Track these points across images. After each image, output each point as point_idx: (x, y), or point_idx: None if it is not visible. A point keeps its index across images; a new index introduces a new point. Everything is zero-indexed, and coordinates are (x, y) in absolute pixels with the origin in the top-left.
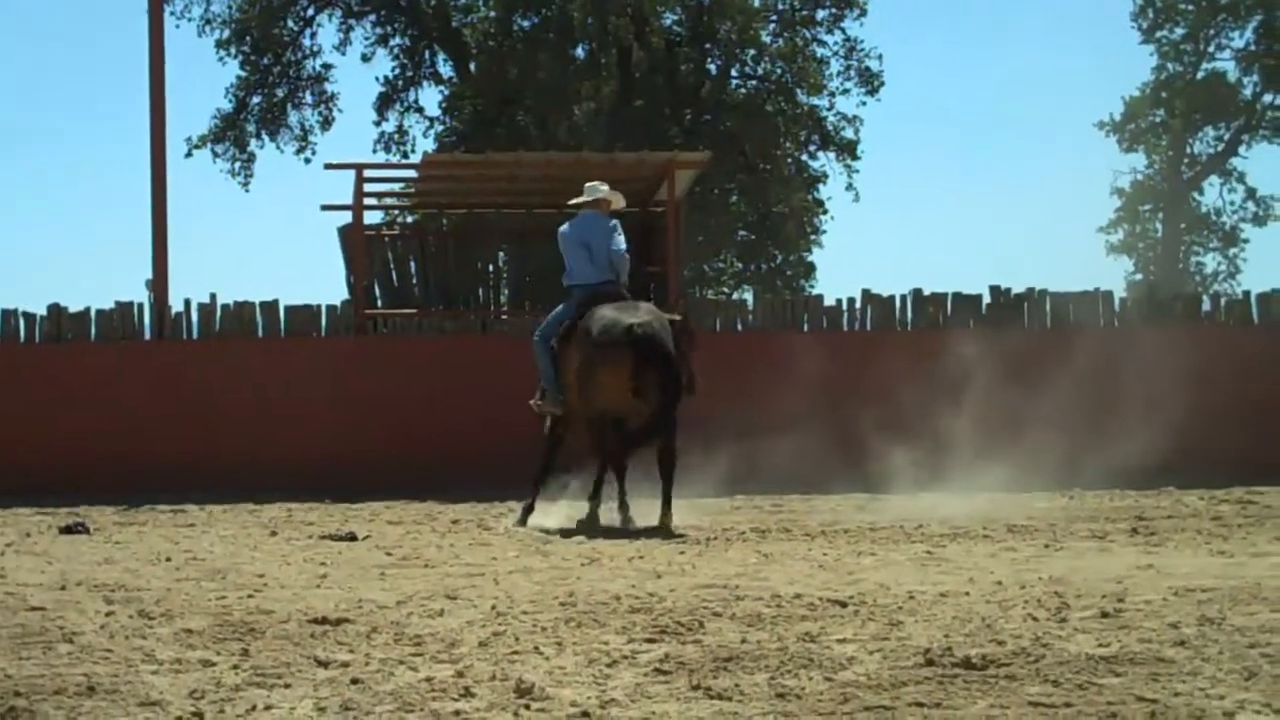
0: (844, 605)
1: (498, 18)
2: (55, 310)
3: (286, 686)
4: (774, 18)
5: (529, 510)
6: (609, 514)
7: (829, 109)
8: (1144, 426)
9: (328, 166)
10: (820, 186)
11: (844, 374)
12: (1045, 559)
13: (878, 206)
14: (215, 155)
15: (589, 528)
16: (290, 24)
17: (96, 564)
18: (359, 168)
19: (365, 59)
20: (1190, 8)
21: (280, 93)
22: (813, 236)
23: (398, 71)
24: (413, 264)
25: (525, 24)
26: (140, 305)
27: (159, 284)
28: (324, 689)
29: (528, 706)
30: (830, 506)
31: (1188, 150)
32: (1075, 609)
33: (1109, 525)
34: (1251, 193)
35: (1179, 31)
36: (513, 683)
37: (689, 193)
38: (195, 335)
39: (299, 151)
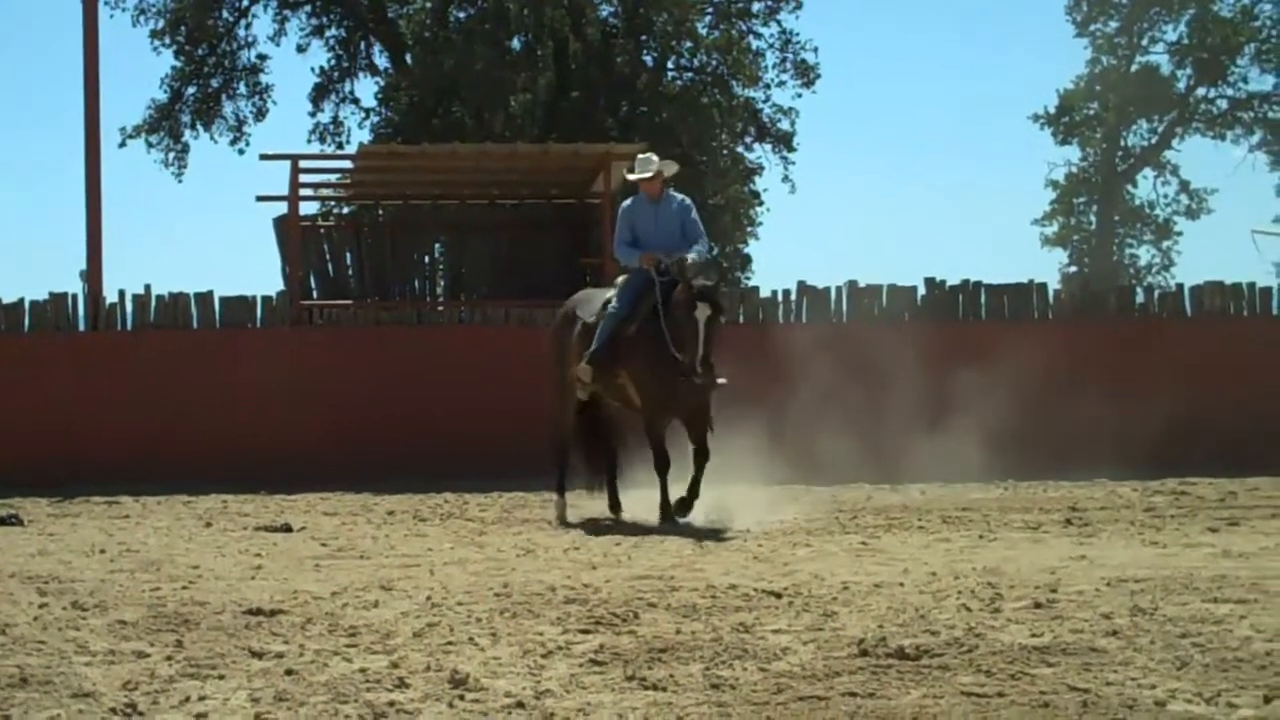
0: (779, 596)
1: (434, 9)
2: None
3: (221, 678)
4: (710, 10)
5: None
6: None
7: (765, 101)
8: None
9: (263, 157)
10: (756, 179)
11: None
12: (979, 549)
13: (814, 199)
14: (150, 145)
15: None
16: (225, 15)
17: (30, 555)
18: (294, 159)
19: (300, 50)
20: (1124, 1)
21: (215, 83)
22: (749, 229)
23: (333, 63)
24: (349, 255)
25: (461, 15)
26: (74, 296)
27: (93, 275)
28: (258, 680)
29: (462, 697)
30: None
31: (1122, 143)
32: (1008, 599)
33: (1043, 516)
34: (1185, 185)
35: (1113, 25)
36: (447, 673)
37: (625, 184)
38: (130, 326)
39: (234, 142)
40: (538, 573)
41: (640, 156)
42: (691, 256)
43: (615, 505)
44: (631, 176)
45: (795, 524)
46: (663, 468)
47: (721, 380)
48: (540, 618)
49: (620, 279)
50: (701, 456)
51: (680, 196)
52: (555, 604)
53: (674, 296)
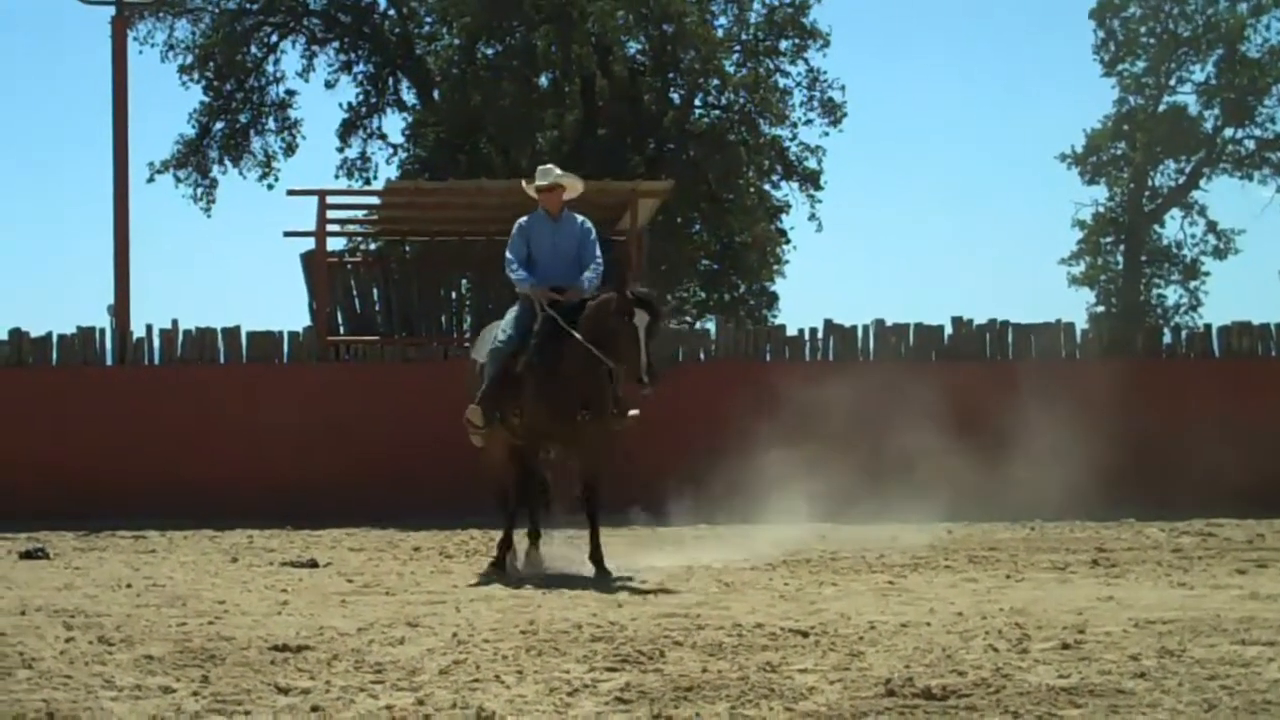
0: (805, 635)
1: (461, 46)
2: (16, 335)
3: (247, 714)
4: (737, 48)
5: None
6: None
7: (792, 139)
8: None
9: (291, 193)
10: (783, 216)
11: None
12: (1006, 590)
13: (841, 237)
14: (178, 181)
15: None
16: (254, 50)
17: (56, 589)
18: (322, 194)
19: (329, 85)
20: (1151, 41)
21: (243, 119)
22: (775, 266)
23: (361, 98)
24: (375, 291)
25: (489, 52)
26: (102, 330)
27: (121, 309)
28: (284, 716)
29: None
30: (792, 537)
31: (1149, 183)
32: (1036, 640)
33: (1070, 556)
34: (1212, 226)
35: (1140, 65)
36: (473, 711)
37: (651, 222)
38: (157, 361)
39: (262, 178)
40: (564, 610)
41: (541, 168)
42: (585, 285)
43: (535, 534)
44: (528, 187)
45: (822, 561)
46: (528, 500)
47: (633, 411)
48: (566, 655)
49: (511, 311)
50: (594, 506)
51: (581, 219)
52: (581, 641)
53: (610, 305)
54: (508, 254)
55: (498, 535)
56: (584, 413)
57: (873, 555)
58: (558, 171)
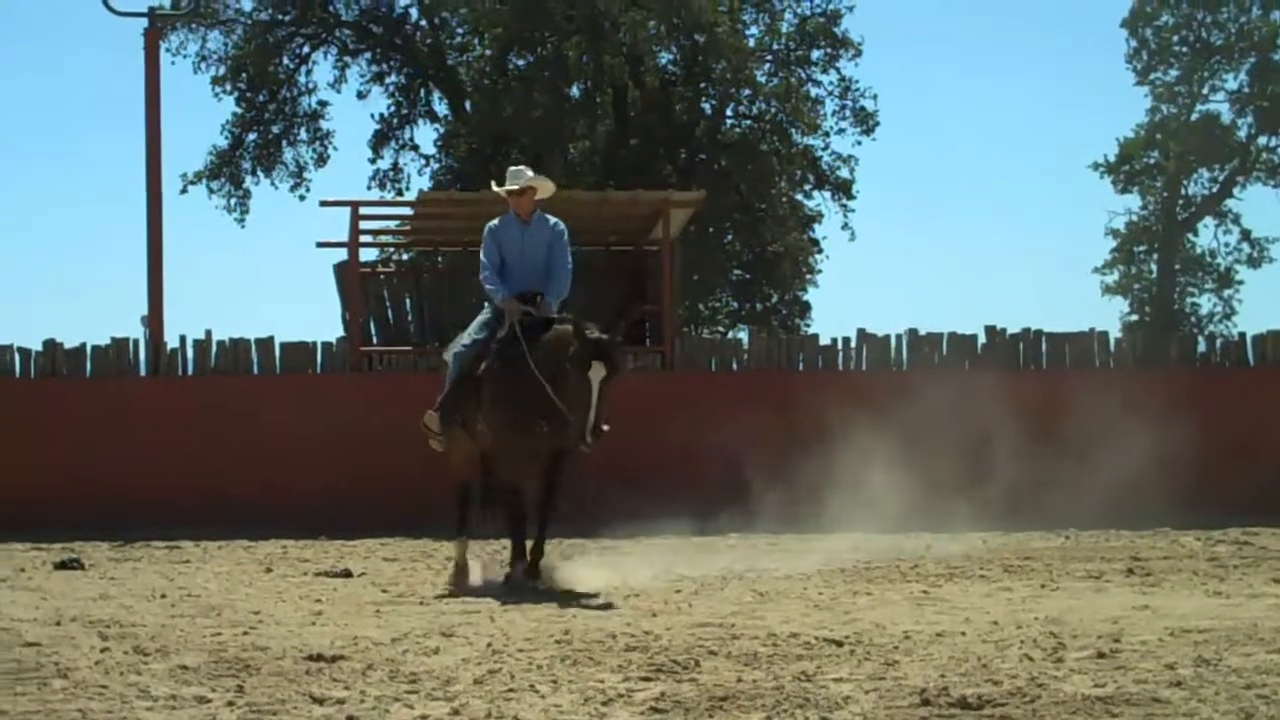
0: (840, 644)
1: (493, 56)
2: (51, 346)
3: None
4: (769, 57)
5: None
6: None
7: (824, 148)
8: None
9: (323, 204)
10: (815, 226)
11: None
12: (1041, 599)
13: (873, 246)
14: (211, 192)
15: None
16: (286, 61)
17: (91, 600)
18: (354, 205)
19: (361, 96)
20: (1184, 50)
21: (276, 129)
22: (808, 276)
23: (393, 109)
24: (408, 301)
25: (520, 63)
26: (136, 341)
27: (154, 320)
28: None
29: None
30: (825, 546)
31: (1182, 192)
32: (1071, 649)
33: (1105, 565)
34: (1246, 234)
35: (1173, 73)
36: None
37: (684, 232)
38: (191, 372)
39: (294, 188)
40: (598, 619)
41: (512, 169)
42: (553, 302)
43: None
44: (499, 189)
45: (856, 570)
46: (516, 520)
47: (604, 428)
48: (601, 665)
49: (480, 316)
50: (549, 508)
51: (554, 221)
52: (616, 651)
53: (569, 350)
54: (481, 258)
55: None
56: (542, 424)
57: (907, 564)
58: (529, 173)
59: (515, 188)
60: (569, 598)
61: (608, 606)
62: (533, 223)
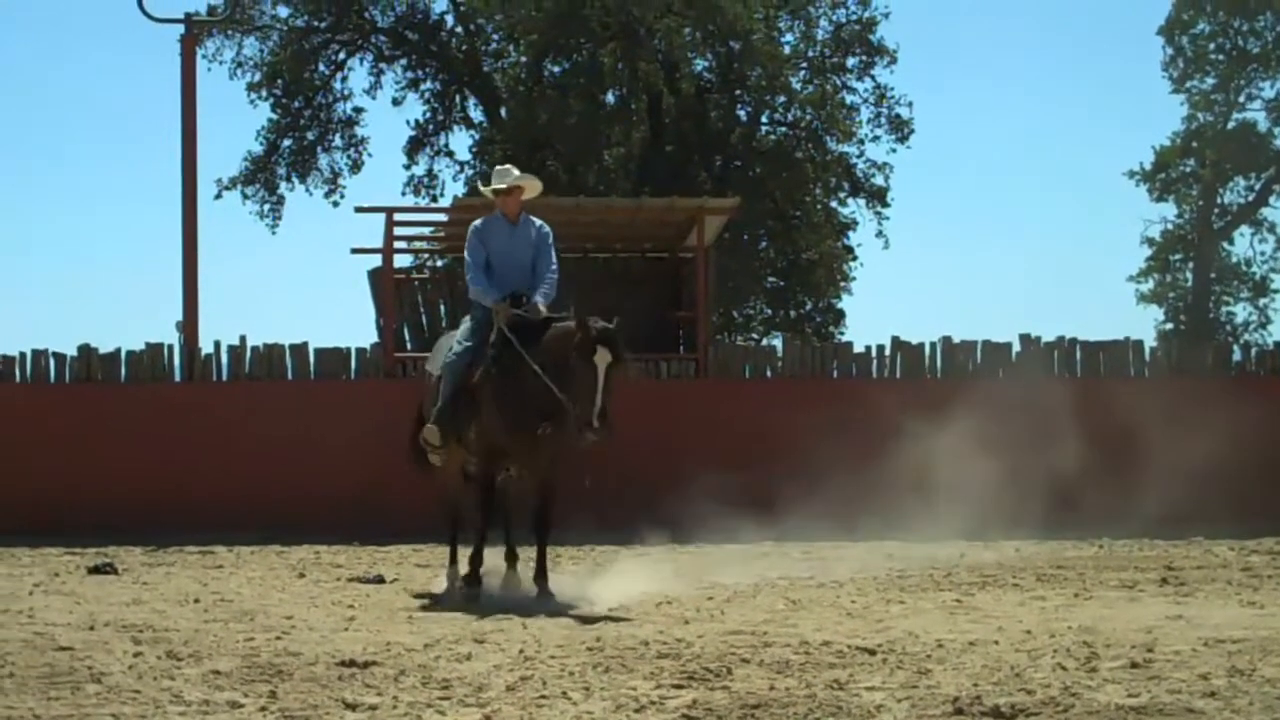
0: (873, 653)
1: (528, 63)
2: (85, 351)
3: None
4: (804, 64)
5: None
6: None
7: (859, 156)
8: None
9: (358, 210)
10: (850, 233)
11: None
12: (1075, 608)
13: (908, 254)
14: (245, 197)
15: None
16: (321, 68)
17: (125, 604)
18: (389, 211)
19: (396, 103)
20: (1221, 58)
21: (311, 136)
22: (842, 283)
23: (428, 115)
24: (442, 307)
25: (556, 70)
26: (170, 347)
27: (189, 325)
28: None
29: None
30: (858, 554)
31: (1218, 200)
32: (1104, 659)
33: (1138, 575)
34: None
35: (1209, 81)
36: None
37: (718, 239)
38: (225, 377)
39: (329, 195)
40: (630, 627)
41: (499, 169)
42: (542, 301)
43: (476, 567)
44: (485, 189)
45: (889, 579)
46: (481, 521)
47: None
48: (633, 672)
49: (467, 321)
50: (543, 522)
51: (539, 223)
52: (648, 658)
53: (572, 339)
54: (467, 258)
55: (564, 552)
56: (545, 425)
57: (940, 573)
58: (516, 173)
59: (502, 187)
60: (600, 605)
61: (640, 614)
62: (519, 223)
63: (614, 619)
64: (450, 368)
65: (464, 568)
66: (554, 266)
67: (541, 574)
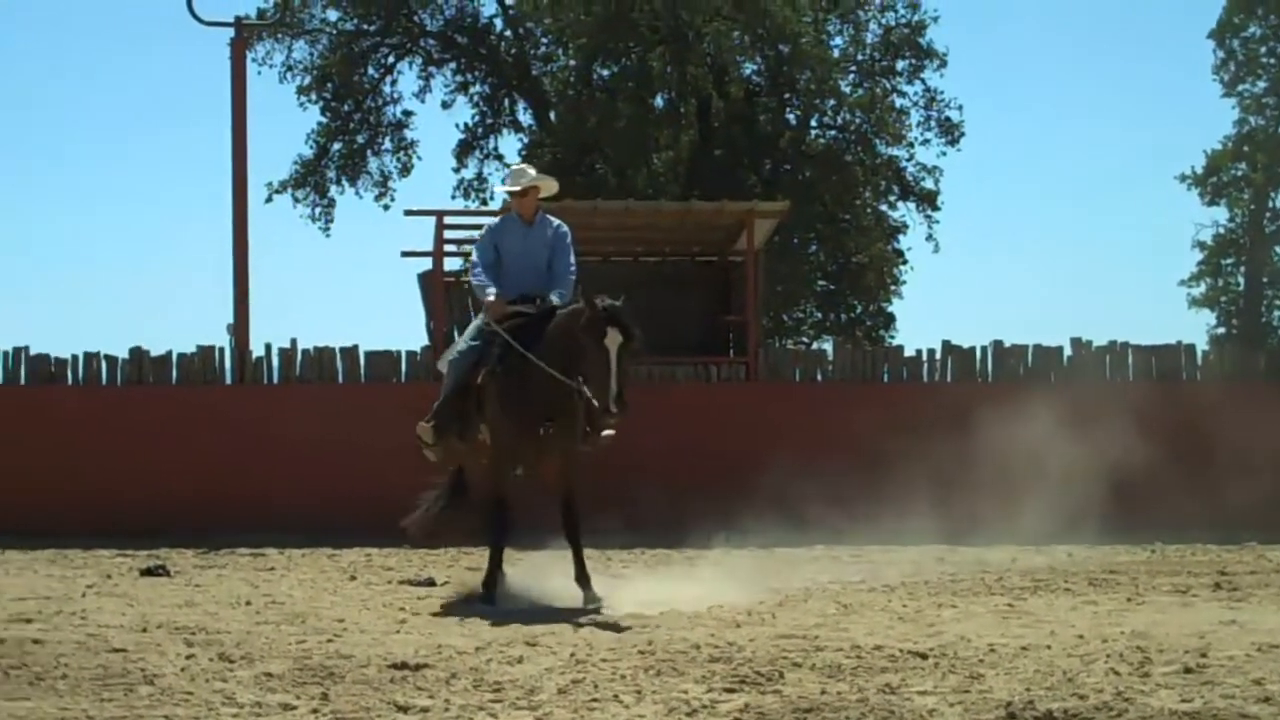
0: (924, 657)
1: (577, 67)
2: (137, 353)
3: None
4: (853, 68)
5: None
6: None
7: (909, 159)
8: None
9: (408, 213)
10: (900, 237)
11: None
12: (1127, 613)
13: (958, 257)
14: (296, 201)
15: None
16: (371, 71)
17: (177, 606)
18: (439, 214)
19: (445, 106)
20: (1272, 62)
21: (361, 139)
22: (892, 287)
23: (477, 119)
24: None
25: (605, 73)
26: (221, 349)
27: (240, 328)
28: None
29: None
30: (909, 558)
31: (1270, 204)
32: (1158, 664)
33: (1191, 579)
34: None
35: (1261, 85)
36: None
37: (768, 242)
38: (275, 380)
39: (379, 198)
40: (682, 630)
41: (514, 168)
42: (554, 301)
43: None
44: (500, 189)
45: (941, 583)
46: (499, 530)
47: (609, 431)
48: (685, 676)
49: (477, 319)
50: (571, 524)
51: (557, 223)
52: (700, 662)
53: (579, 321)
54: (473, 257)
55: (614, 555)
56: (548, 425)
57: (992, 577)
58: (532, 172)
59: (517, 188)
60: (651, 608)
61: (691, 618)
62: (535, 223)
63: (665, 623)
64: (454, 365)
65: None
66: (573, 267)
67: (583, 576)
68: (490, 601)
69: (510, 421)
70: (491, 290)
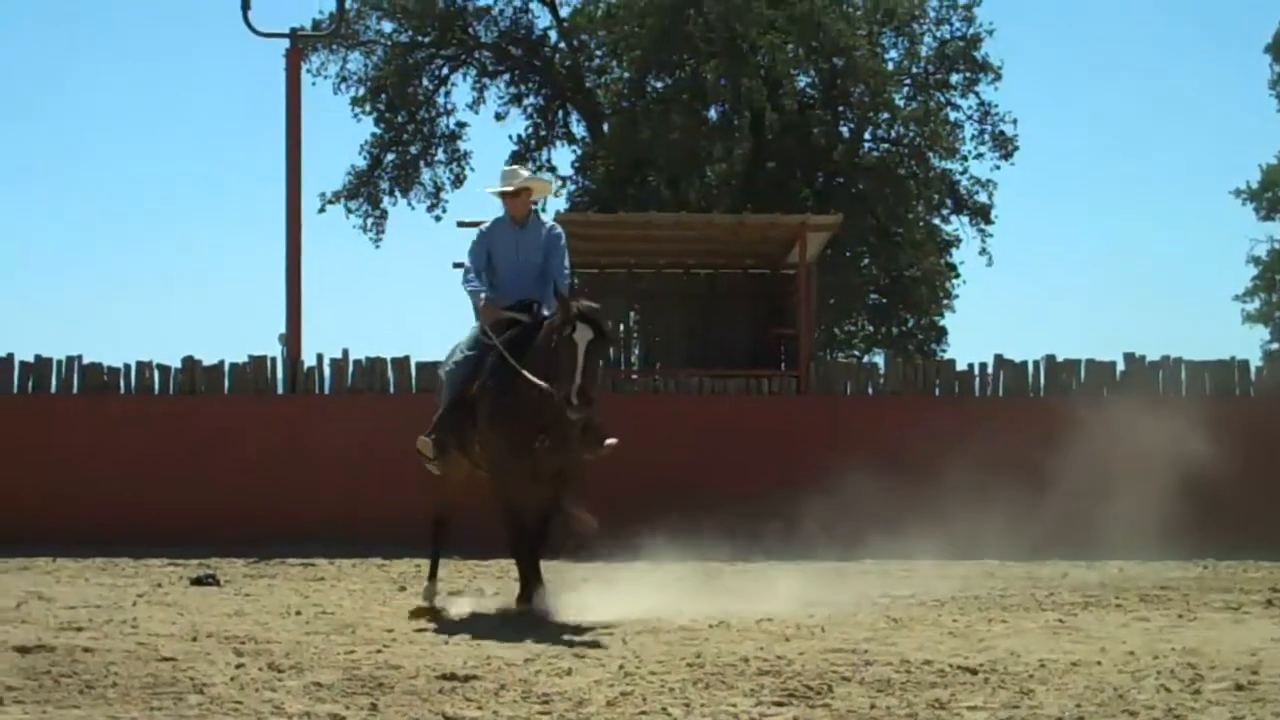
0: (974, 673)
1: (631, 79)
2: (189, 363)
3: None
4: (907, 81)
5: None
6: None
7: (962, 173)
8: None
9: (461, 224)
10: (953, 250)
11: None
12: (1178, 629)
13: (1011, 271)
14: (349, 211)
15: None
16: (425, 82)
17: (227, 616)
18: None
19: (499, 118)
20: None
21: (414, 150)
22: (945, 300)
23: (531, 131)
24: None
25: (658, 85)
26: (273, 359)
27: (292, 338)
28: None
29: None
30: (959, 573)
31: None
32: (1209, 681)
33: (1243, 596)
34: None
35: None
36: None
37: (820, 255)
38: (327, 390)
39: (431, 209)
40: (730, 643)
41: (506, 169)
42: (546, 312)
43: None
44: (491, 190)
45: (991, 598)
46: (519, 546)
47: (611, 440)
48: (733, 689)
49: (472, 328)
50: (539, 536)
51: (551, 224)
52: (748, 675)
53: (551, 318)
54: (465, 261)
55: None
56: (542, 439)
57: (1042, 593)
58: (524, 173)
59: (509, 189)
60: (702, 620)
61: (740, 630)
62: (528, 226)
63: (714, 636)
64: (450, 376)
65: (438, 584)
66: (566, 270)
67: (532, 588)
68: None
69: (501, 436)
70: (484, 295)
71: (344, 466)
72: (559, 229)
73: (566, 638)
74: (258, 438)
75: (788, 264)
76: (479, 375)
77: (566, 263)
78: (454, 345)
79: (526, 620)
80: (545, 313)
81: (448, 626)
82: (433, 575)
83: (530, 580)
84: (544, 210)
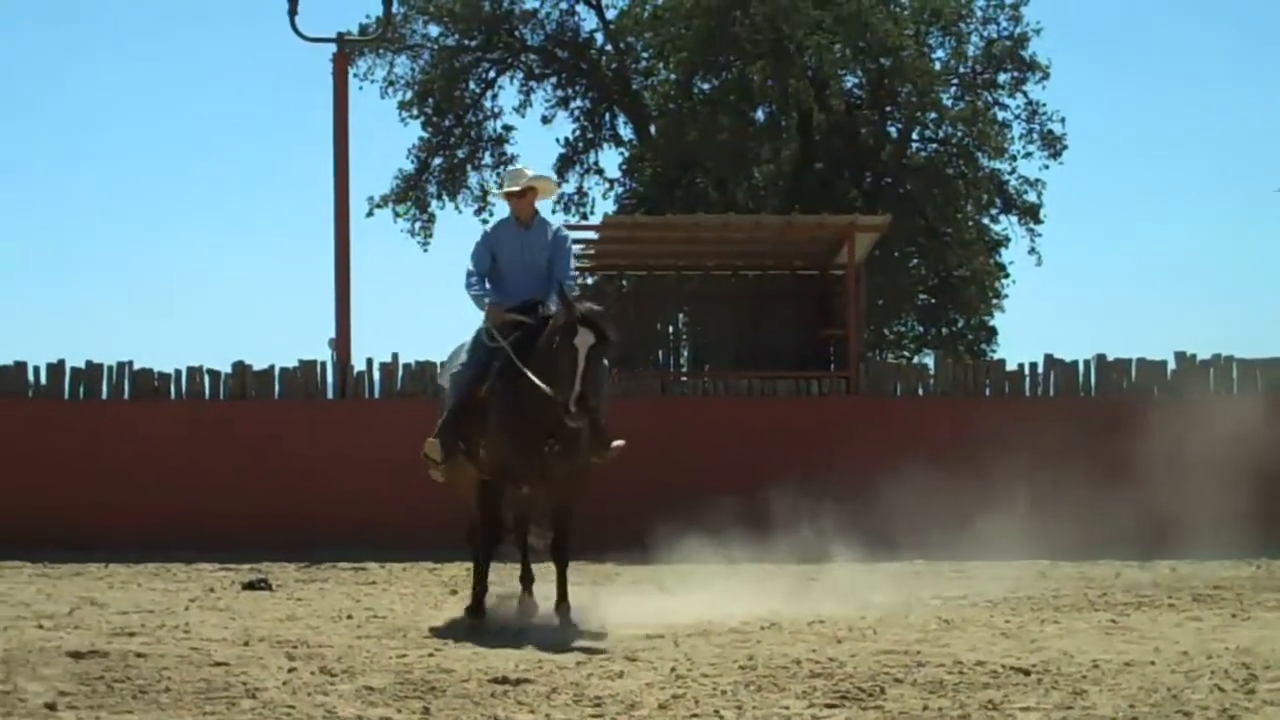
0: (1027, 673)
1: (678, 81)
2: (239, 368)
3: None
4: (955, 81)
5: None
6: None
7: (1011, 172)
8: None
9: None
10: (1002, 250)
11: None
12: (1232, 629)
13: (1061, 270)
14: (397, 215)
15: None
16: (472, 86)
17: (279, 620)
18: None
19: (545, 121)
20: None
21: (461, 154)
22: (994, 300)
23: (578, 133)
24: None
25: (705, 87)
26: (323, 364)
27: (342, 343)
28: None
29: None
30: (1012, 574)
31: None
32: (1263, 680)
33: None
34: None
35: None
36: None
37: (869, 256)
38: (378, 394)
39: (478, 212)
40: (782, 645)
41: (511, 169)
42: (554, 310)
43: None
44: (496, 191)
45: (1044, 599)
46: (486, 543)
47: (618, 443)
48: (785, 691)
49: (476, 330)
50: (560, 547)
51: (556, 226)
52: (800, 677)
53: (552, 321)
54: (469, 264)
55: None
56: (551, 443)
57: (1095, 593)
58: (530, 173)
59: (515, 189)
60: (754, 622)
61: (792, 633)
62: (532, 227)
63: (766, 638)
64: (455, 380)
65: (489, 586)
66: (572, 271)
67: (562, 598)
68: (480, 615)
69: (510, 438)
70: (488, 296)
71: (394, 470)
72: (565, 230)
73: (618, 640)
74: (308, 442)
75: (836, 265)
76: (487, 377)
77: (573, 263)
78: (456, 347)
79: (568, 625)
80: (551, 309)
81: (499, 630)
82: (478, 580)
83: (559, 594)
84: (592, 214)
